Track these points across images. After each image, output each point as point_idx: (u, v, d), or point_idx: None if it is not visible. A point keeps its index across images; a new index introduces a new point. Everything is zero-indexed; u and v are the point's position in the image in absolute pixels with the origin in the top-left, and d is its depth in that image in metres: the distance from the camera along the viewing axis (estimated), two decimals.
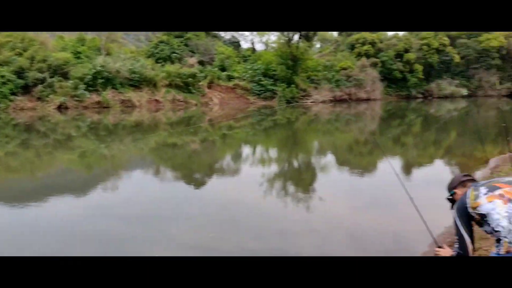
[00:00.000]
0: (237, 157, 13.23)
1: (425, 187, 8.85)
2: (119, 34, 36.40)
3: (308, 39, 38.84)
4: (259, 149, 15.02)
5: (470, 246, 2.46)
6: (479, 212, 2.44)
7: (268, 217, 6.78)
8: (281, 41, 38.70)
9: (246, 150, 14.98)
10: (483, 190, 2.50)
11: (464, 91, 46.05)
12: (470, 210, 2.50)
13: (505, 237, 2.27)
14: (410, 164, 11.70)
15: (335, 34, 50.55)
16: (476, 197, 2.49)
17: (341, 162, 11.88)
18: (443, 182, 10.00)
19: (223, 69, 36.44)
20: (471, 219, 2.51)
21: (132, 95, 29.56)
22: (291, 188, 9.08)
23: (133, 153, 13.57)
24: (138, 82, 30.46)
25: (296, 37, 37.77)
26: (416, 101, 42.16)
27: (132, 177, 10.30)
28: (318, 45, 52.19)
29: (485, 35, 47.33)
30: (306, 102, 35.96)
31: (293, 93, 35.78)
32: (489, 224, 2.38)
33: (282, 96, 34.99)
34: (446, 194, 3.00)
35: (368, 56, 42.38)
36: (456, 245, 2.55)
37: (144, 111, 27.63)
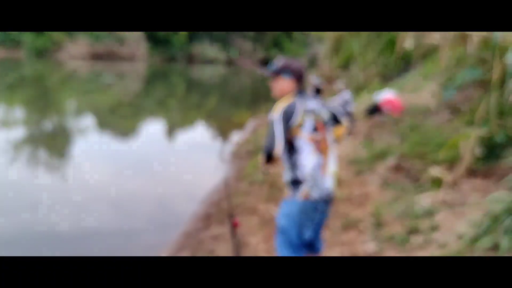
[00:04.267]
0: None
1: (188, 150, 9.27)
2: None
3: None
4: None
5: (280, 145, 2.24)
6: (294, 140, 2.28)
7: (12, 189, 5.74)
8: None
9: None
10: (309, 124, 2.30)
11: (224, 57, 49.88)
12: (291, 125, 2.27)
13: (304, 184, 2.26)
14: (174, 127, 12.03)
15: None
16: (303, 124, 2.29)
17: (102, 125, 11.14)
18: (203, 145, 10.69)
19: None
20: (289, 127, 2.28)
21: None
22: (42, 155, 7.94)
23: None
24: None
25: None
26: (180, 64, 43.57)
27: None
28: None
29: None
30: (61, 56, 32.17)
31: (46, 45, 31.32)
32: (292, 160, 2.30)
33: (31, 48, 30.16)
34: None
35: None
36: (264, 146, 2.33)
37: None
